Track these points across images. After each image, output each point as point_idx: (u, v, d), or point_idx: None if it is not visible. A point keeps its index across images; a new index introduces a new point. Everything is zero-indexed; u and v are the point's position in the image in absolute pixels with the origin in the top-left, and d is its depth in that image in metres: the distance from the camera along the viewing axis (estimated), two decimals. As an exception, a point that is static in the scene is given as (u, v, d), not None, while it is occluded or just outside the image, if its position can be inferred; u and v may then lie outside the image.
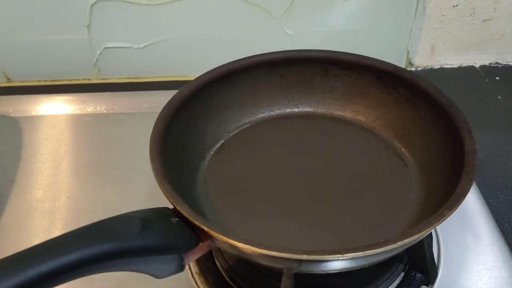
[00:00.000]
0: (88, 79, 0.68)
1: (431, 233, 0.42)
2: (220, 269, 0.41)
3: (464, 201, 0.32)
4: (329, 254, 0.29)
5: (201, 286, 0.41)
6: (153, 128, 0.39)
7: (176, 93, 0.42)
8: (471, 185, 0.33)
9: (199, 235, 0.32)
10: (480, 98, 0.64)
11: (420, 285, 0.40)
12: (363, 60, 0.45)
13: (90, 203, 0.49)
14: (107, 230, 0.28)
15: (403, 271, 0.40)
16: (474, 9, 0.63)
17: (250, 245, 0.30)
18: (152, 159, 0.36)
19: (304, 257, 0.29)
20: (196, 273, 0.42)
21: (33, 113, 0.60)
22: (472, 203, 0.47)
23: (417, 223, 0.32)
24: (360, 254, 0.29)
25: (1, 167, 0.53)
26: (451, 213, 0.31)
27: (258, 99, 0.48)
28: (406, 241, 0.29)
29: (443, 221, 0.30)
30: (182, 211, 0.32)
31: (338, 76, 0.47)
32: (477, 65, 0.69)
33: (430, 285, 0.40)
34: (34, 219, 0.48)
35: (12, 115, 0.59)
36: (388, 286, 0.39)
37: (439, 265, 0.42)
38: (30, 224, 0.47)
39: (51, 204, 0.49)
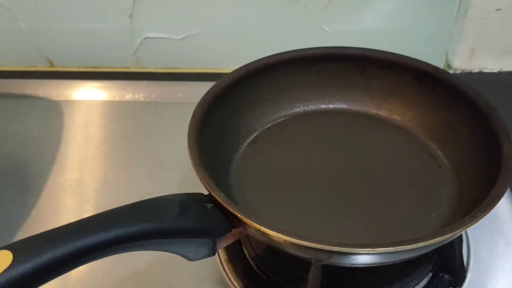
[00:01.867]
0: (127, 68, 0.70)
1: (461, 235, 0.42)
2: (248, 257, 0.42)
3: (497, 205, 0.32)
4: (360, 248, 0.29)
5: (229, 272, 0.42)
6: (191, 118, 0.39)
7: (214, 85, 0.43)
8: (507, 189, 0.32)
9: (232, 222, 0.33)
10: (519, 104, 0.63)
11: (448, 286, 0.40)
12: (402, 60, 0.45)
13: (125, 187, 0.50)
14: (148, 210, 0.29)
15: (431, 271, 0.40)
16: (517, 13, 0.62)
17: (282, 233, 0.30)
18: (190, 147, 0.37)
19: (336, 248, 0.29)
20: (224, 259, 0.42)
21: (75, 98, 0.61)
22: (505, 208, 0.46)
23: (449, 224, 0.32)
24: (391, 249, 0.29)
25: (41, 147, 0.54)
26: (485, 215, 0.31)
27: (294, 93, 0.48)
28: (438, 239, 0.30)
29: (476, 222, 0.30)
30: (217, 198, 0.32)
31: (375, 75, 0.47)
32: (517, 71, 0.68)
33: (457, 288, 0.40)
34: (71, 199, 0.49)
35: (54, 98, 0.61)
36: (415, 286, 0.39)
37: (468, 268, 0.41)
38: (68, 204, 0.49)
39: (88, 186, 0.51)
